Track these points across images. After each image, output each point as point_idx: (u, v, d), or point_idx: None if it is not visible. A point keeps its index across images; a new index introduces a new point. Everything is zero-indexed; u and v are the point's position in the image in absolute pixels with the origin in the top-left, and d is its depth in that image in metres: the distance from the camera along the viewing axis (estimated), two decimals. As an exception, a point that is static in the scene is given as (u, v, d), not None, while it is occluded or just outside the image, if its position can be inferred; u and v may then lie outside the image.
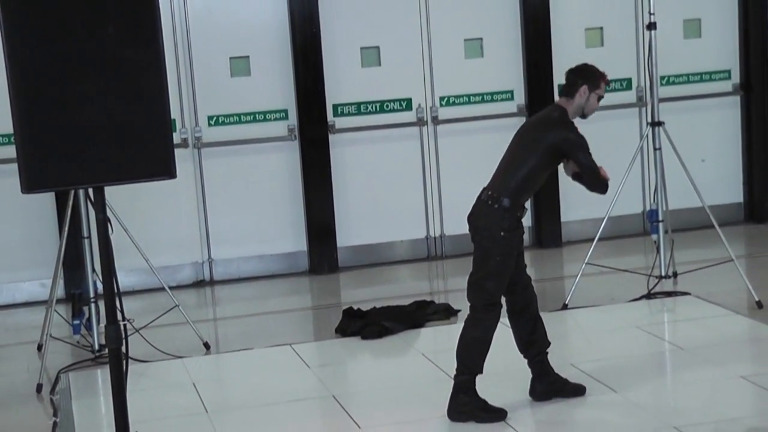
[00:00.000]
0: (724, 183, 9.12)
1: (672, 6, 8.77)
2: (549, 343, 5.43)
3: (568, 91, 5.34)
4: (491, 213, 5.13)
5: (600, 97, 5.36)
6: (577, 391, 5.44)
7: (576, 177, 5.29)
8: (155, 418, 5.54)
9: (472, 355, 5.19)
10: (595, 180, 5.23)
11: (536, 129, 5.29)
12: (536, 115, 5.48)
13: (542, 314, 6.90)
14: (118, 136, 3.77)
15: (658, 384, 5.66)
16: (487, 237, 5.14)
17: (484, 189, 5.26)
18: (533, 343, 5.42)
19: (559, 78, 8.70)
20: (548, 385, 5.43)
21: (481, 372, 5.22)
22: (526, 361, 5.46)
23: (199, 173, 8.38)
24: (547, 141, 5.16)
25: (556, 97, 8.51)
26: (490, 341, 5.21)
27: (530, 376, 5.43)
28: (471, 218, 5.27)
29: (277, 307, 7.74)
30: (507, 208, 5.12)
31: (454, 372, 5.25)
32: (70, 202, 6.50)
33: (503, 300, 5.28)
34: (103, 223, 3.93)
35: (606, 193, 5.31)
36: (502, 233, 5.11)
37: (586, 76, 5.34)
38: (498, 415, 5.18)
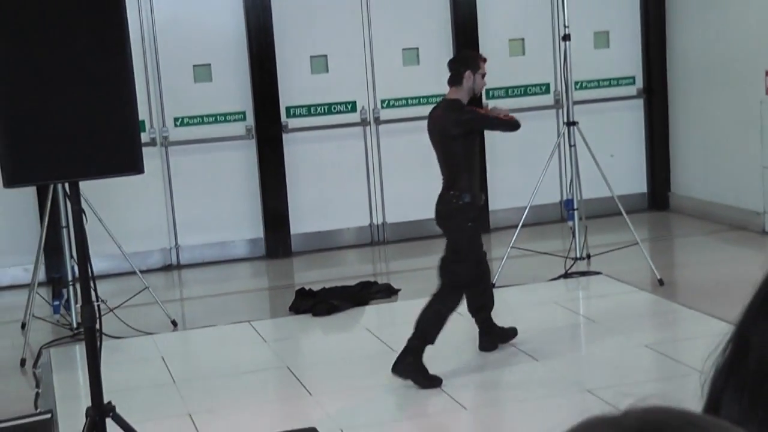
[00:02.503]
0: (630, 175, 9.20)
1: (584, 20, 8.82)
2: (493, 304, 5.60)
3: (455, 80, 5.33)
4: (457, 210, 5.18)
5: (483, 75, 5.35)
6: (512, 333, 5.68)
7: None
8: (128, 389, 5.48)
9: (429, 325, 5.19)
10: (505, 127, 5.33)
11: (443, 125, 5.27)
12: (437, 112, 5.41)
13: (472, 292, 6.96)
14: (92, 136, 3.74)
15: (574, 353, 5.71)
16: (455, 229, 5.19)
17: (445, 188, 5.26)
18: (483, 307, 5.57)
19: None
20: (493, 336, 5.62)
21: (433, 343, 5.22)
22: (474, 320, 5.59)
23: (167, 169, 8.29)
24: (455, 131, 5.18)
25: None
26: (446, 318, 5.24)
27: (469, 343, 5.43)
28: (439, 215, 5.31)
29: (237, 288, 7.68)
30: (468, 202, 5.17)
31: (411, 335, 5.21)
32: (50, 195, 6.41)
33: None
34: (78, 214, 3.88)
35: (519, 127, 5.39)
36: (469, 224, 5.20)
37: (466, 63, 5.34)
38: (434, 381, 5.19)
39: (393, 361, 5.22)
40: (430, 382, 5.19)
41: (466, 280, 5.23)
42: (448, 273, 5.23)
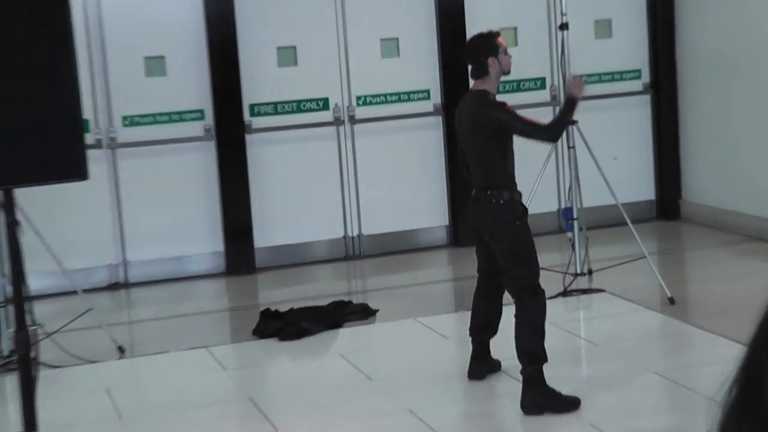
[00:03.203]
0: (636, 180, 9.22)
1: (583, 7, 8.84)
2: (497, 329, 5.60)
3: (480, 71, 5.34)
4: (499, 209, 5.18)
5: (505, 51, 5.37)
6: (498, 365, 5.70)
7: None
8: (67, 425, 5.41)
9: (532, 345, 5.14)
10: (542, 136, 5.32)
11: (474, 118, 5.28)
12: (465, 108, 5.42)
13: (460, 313, 6.95)
14: (29, 137, 3.69)
15: (574, 381, 5.67)
16: (505, 232, 5.19)
17: (477, 190, 5.26)
18: (488, 327, 5.57)
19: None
20: (487, 365, 5.62)
21: (546, 360, 5.16)
22: (470, 339, 5.60)
23: (114, 174, 8.23)
24: (489, 129, 5.20)
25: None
26: (544, 326, 5.20)
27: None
28: (477, 220, 5.30)
29: (194, 309, 7.63)
30: (509, 199, 5.19)
31: (521, 368, 5.16)
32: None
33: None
34: (12, 226, 3.83)
35: (557, 138, 5.44)
36: (517, 222, 5.19)
37: (486, 49, 5.34)
38: (573, 403, 5.11)
39: (519, 402, 5.11)
40: (569, 405, 5.09)
41: (537, 280, 5.23)
42: (515, 282, 5.21)
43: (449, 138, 8.68)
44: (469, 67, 5.43)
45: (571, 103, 5.48)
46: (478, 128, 5.26)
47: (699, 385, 5.27)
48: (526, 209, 5.32)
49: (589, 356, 6.16)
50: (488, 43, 5.36)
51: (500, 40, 5.40)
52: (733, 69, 8.48)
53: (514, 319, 5.23)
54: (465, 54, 5.47)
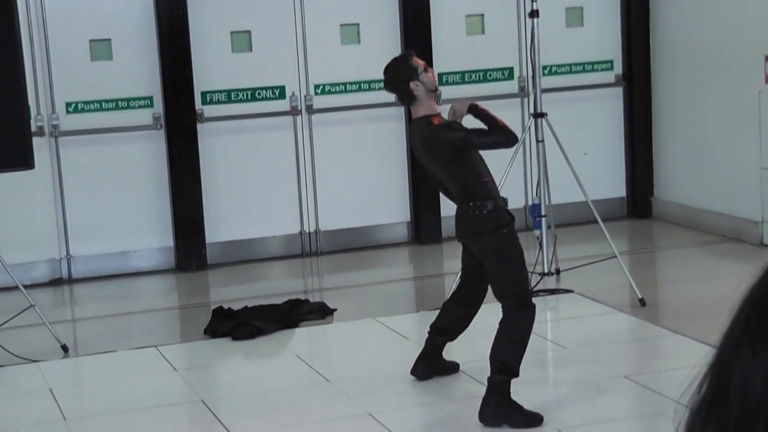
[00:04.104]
0: (607, 177, 9.31)
1: (555, -6, 8.93)
2: (454, 339, 5.72)
3: (406, 99, 5.44)
4: (484, 220, 5.25)
5: (425, 68, 5.42)
6: (454, 368, 5.80)
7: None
8: (7, 427, 5.43)
9: (508, 356, 5.19)
10: (501, 138, 5.34)
11: (430, 150, 5.37)
12: (415, 139, 5.53)
13: (421, 313, 7.03)
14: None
15: (541, 385, 5.77)
16: (492, 241, 5.26)
17: (461, 201, 5.33)
18: (450, 333, 5.68)
19: (439, 67, 8.81)
20: (432, 367, 5.72)
21: (517, 375, 5.19)
22: (426, 338, 5.70)
23: (57, 164, 8.22)
24: (448, 152, 5.27)
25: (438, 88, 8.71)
26: (526, 341, 5.25)
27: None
28: (463, 234, 5.39)
29: (142, 306, 7.65)
30: (493, 209, 5.26)
31: (489, 373, 5.21)
32: None
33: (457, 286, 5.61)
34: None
35: (516, 140, 5.46)
36: (504, 230, 5.26)
37: (404, 77, 5.39)
38: (534, 419, 5.13)
39: (478, 410, 5.14)
40: (529, 419, 5.12)
41: (527, 291, 5.32)
42: (504, 291, 5.28)
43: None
44: (398, 97, 5.49)
45: (476, 109, 5.45)
46: (436, 155, 5.34)
47: (669, 390, 5.38)
48: (512, 216, 5.40)
49: (557, 359, 6.25)
50: (404, 68, 5.41)
51: (415, 60, 5.45)
52: (710, 62, 8.60)
53: (498, 325, 5.28)
54: (385, 87, 5.53)
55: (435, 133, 5.32)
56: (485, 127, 5.39)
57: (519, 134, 7.80)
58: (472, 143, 5.30)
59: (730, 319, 1.06)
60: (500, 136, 5.34)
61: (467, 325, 5.68)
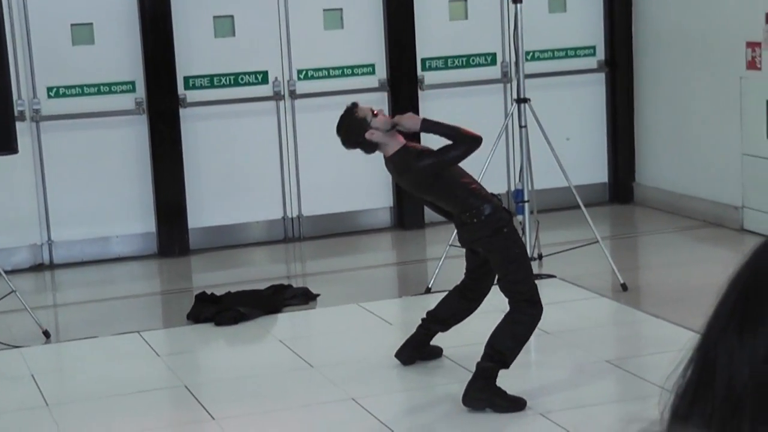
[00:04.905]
0: (589, 162, 9.34)
1: (538, -21, 8.93)
2: (446, 330, 5.73)
3: (369, 149, 5.43)
4: (484, 224, 5.27)
5: (373, 113, 5.38)
6: (438, 352, 5.83)
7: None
8: (-9, 413, 5.42)
9: (505, 347, 5.21)
10: (469, 145, 5.29)
11: (412, 182, 5.42)
12: (394, 174, 5.60)
13: (404, 299, 7.06)
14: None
15: (523, 369, 5.79)
16: (495, 243, 5.29)
17: (459, 213, 5.34)
18: (445, 323, 5.69)
19: (422, 52, 8.82)
20: (417, 353, 5.75)
21: (508, 367, 5.21)
22: (419, 324, 5.71)
23: (38, 148, 8.19)
24: (429, 178, 5.28)
25: (419, 72, 8.74)
26: (527, 338, 5.28)
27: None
28: (467, 241, 5.42)
29: (124, 292, 7.64)
30: (491, 212, 5.27)
31: (480, 358, 5.21)
32: None
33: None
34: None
35: (481, 141, 5.34)
36: (504, 230, 5.28)
37: (357, 131, 5.36)
38: (517, 403, 5.16)
39: (462, 394, 5.16)
40: (512, 404, 5.15)
41: (535, 289, 5.33)
42: (513, 288, 5.30)
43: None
44: (362, 150, 5.48)
45: (428, 124, 5.40)
46: (419, 186, 5.40)
47: (651, 374, 5.41)
48: (510, 213, 5.45)
49: (540, 344, 6.26)
50: (353, 123, 5.39)
51: (360, 109, 5.42)
52: (692, 48, 8.63)
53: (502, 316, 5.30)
54: (344, 146, 5.50)
55: (409, 166, 5.33)
56: (448, 141, 5.35)
57: (501, 120, 7.84)
58: (445, 163, 5.29)
59: (715, 304, 1.06)
60: (466, 143, 5.29)
61: (464, 319, 5.69)
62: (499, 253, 5.32)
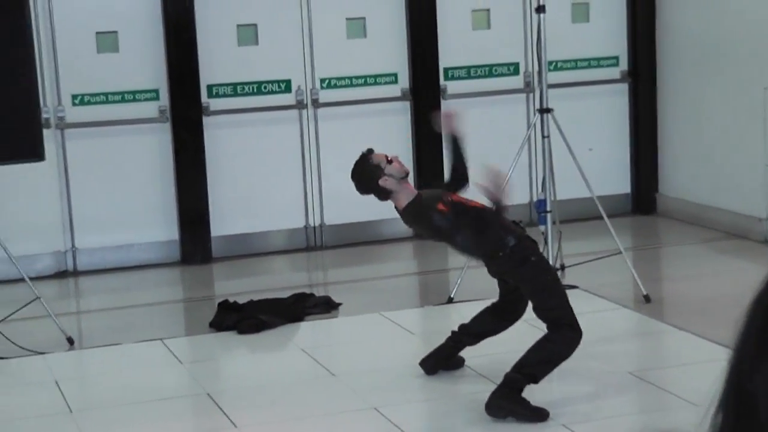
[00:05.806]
0: (611, 173, 9.32)
1: (561, -11, 8.94)
2: (475, 344, 5.71)
3: (382, 196, 5.43)
4: (509, 258, 5.26)
5: (388, 160, 5.39)
6: (461, 363, 5.81)
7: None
8: (14, 419, 5.45)
9: (537, 366, 5.20)
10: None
11: (432, 232, 5.49)
12: (414, 225, 5.78)
13: (426, 308, 7.06)
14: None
15: (545, 380, 5.78)
16: (525, 272, 5.29)
17: (485, 256, 5.36)
18: (478, 337, 5.68)
19: (444, 61, 8.83)
20: (445, 363, 5.75)
21: (537, 382, 5.22)
22: (449, 336, 5.71)
23: (62, 156, 8.23)
24: (443, 225, 5.28)
25: (442, 81, 8.75)
26: (561, 361, 5.25)
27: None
28: (498, 273, 5.45)
29: (147, 299, 7.66)
30: (515, 243, 5.25)
31: (510, 369, 5.21)
32: None
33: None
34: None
35: (503, 211, 5.30)
36: (532, 258, 5.28)
37: (370, 178, 5.37)
38: (540, 413, 5.16)
39: (485, 401, 5.16)
40: (535, 414, 5.14)
41: (570, 309, 5.28)
42: (548, 316, 5.28)
43: (417, 124, 8.77)
44: (376, 197, 5.48)
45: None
46: (441, 236, 5.44)
47: (674, 386, 5.40)
48: (534, 241, 5.43)
49: (561, 354, 6.26)
50: (367, 170, 5.40)
51: (375, 156, 5.42)
52: (716, 58, 8.61)
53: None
54: (358, 191, 5.51)
55: (426, 218, 5.33)
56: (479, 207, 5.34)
57: (524, 130, 7.83)
58: (453, 240, 5.34)
59: (741, 328, 1.03)
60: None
61: (490, 335, 5.70)
62: (529, 282, 5.32)
